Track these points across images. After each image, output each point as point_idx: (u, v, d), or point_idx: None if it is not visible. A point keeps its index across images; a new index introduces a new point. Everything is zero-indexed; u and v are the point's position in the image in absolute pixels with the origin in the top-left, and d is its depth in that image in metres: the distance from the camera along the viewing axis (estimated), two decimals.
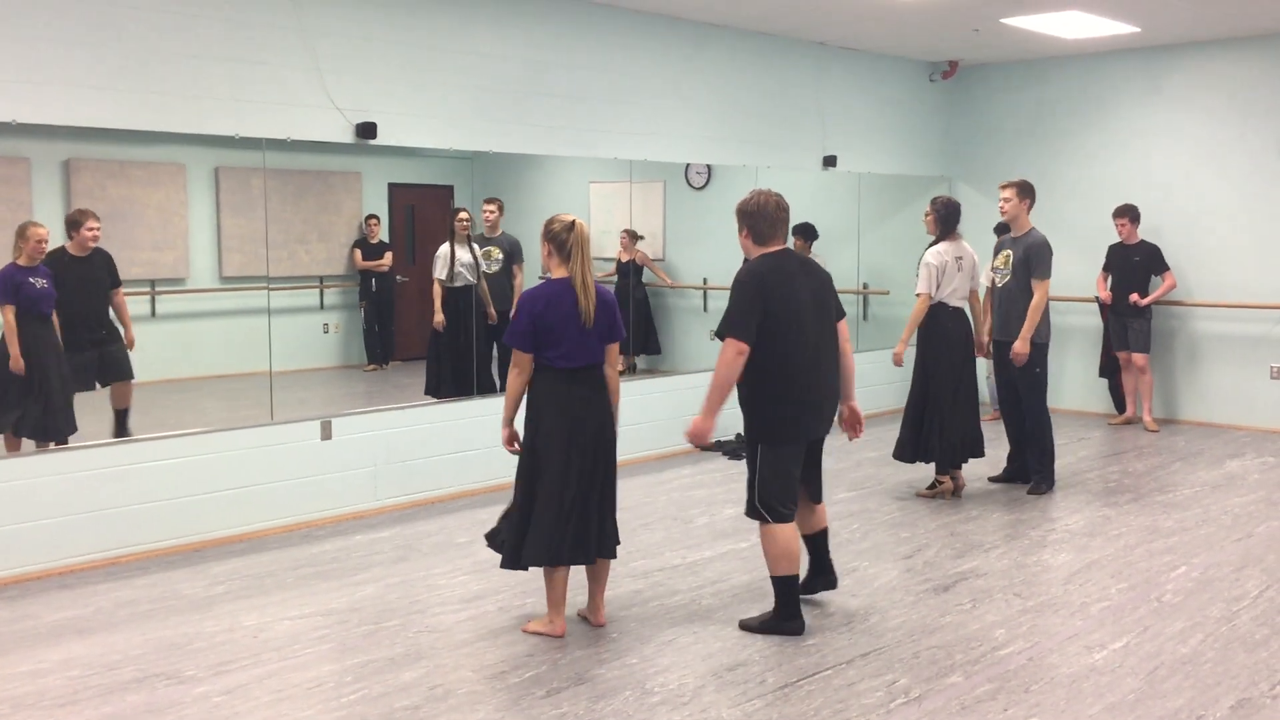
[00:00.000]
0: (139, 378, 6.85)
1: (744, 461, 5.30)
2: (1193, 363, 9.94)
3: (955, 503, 7.13)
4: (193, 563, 5.92)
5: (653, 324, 10.29)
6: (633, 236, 9.95)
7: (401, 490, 7.09)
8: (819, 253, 9.71)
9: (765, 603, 5.21)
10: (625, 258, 10.04)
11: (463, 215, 8.40)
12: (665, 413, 8.44)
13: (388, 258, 9.90)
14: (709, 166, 10.00)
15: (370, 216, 9.79)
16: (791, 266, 4.71)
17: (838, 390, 4.89)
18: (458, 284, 8.33)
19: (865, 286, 10.78)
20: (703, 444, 4.75)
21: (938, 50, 10.26)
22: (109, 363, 6.75)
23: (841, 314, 4.91)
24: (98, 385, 6.72)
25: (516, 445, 4.85)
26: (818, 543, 5.20)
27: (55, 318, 6.36)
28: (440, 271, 8.34)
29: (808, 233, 9.79)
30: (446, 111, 7.33)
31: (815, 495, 5.08)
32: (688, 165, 10.00)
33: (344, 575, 5.70)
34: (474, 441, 7.29)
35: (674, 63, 8.67)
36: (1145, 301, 9.48)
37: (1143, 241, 9.61)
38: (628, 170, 8.80)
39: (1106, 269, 9.79)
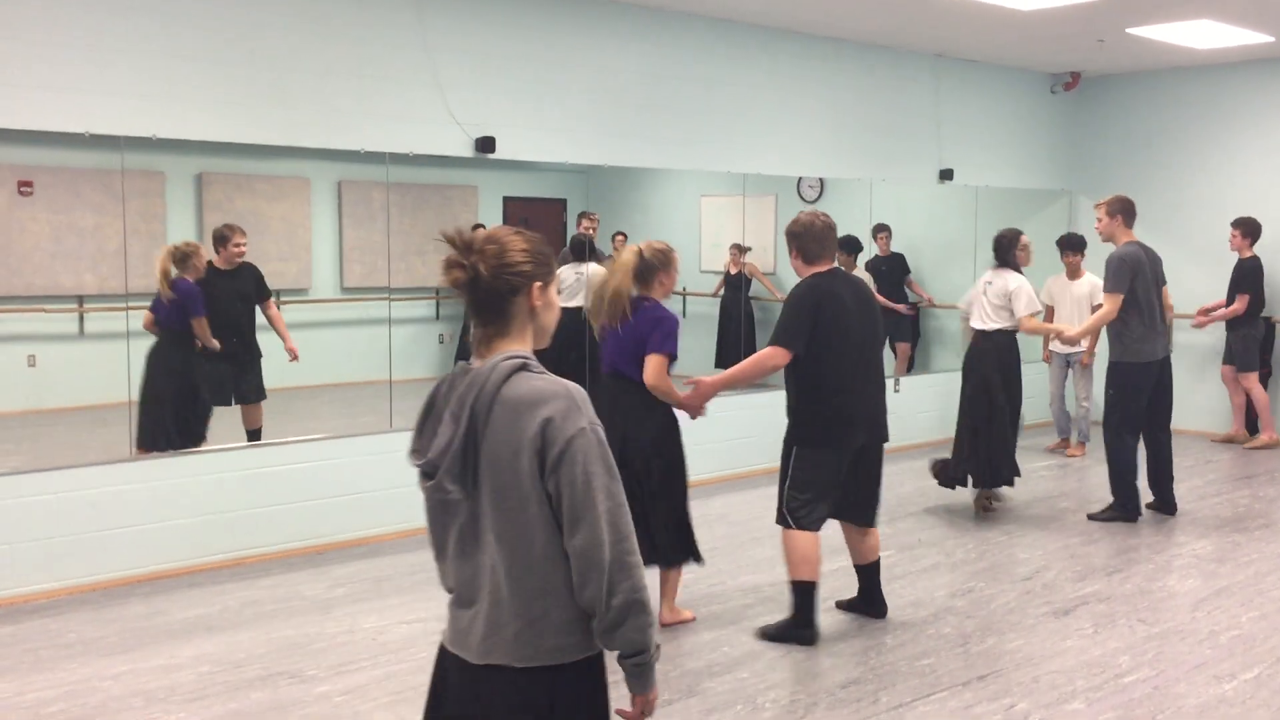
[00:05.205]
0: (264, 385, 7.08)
1: None
2: None
3: (1076, 525, 6.95)
4: (314, 565, 6.09)
5: (754, 341, 10.17)
6: (740, 249, 9.92)
7: None
8: (919, 272, 9.54)
9: (864, 623, 5.17)
10: (735, 270, 10.02)
11: (586, 225, 8.43)
12: (759, 430, 8.14)
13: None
14: (821, 180, 9.93)
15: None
16: (839, 285, 4.91)
17: (883, 406, 4.97)
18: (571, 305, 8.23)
19: None
20: (697, 404, 4.90)
21: (1060, 61, 10.04)
22: (244, 380, 6.96)
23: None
24: (234, 401, 6.95)
25: None
26: (868, 574, 5.19)
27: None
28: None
29: (851, 246, 9.54)
30: (563, 126, 7.42)
31: (867, 518, 5.04)
32: (800, 179, 9.95)
33: None
34: None
35: (788, 76, 8.65)
36: (1206, 322, 9.38)
37: (1253, 256, 9.29)
38: (740, 184, 8.79)
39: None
